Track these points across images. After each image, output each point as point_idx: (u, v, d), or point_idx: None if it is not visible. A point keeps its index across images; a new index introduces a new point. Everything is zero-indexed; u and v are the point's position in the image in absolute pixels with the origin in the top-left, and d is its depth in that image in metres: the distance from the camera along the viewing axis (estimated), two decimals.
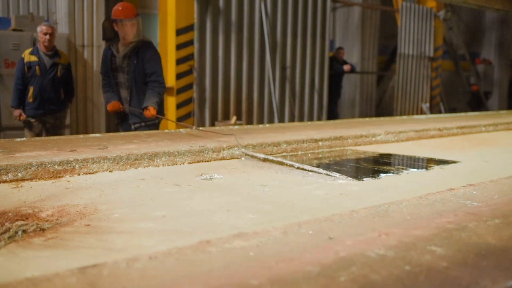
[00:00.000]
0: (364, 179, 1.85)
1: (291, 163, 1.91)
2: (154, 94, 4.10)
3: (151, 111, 4.02)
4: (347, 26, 11.03)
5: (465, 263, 0.96)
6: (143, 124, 4.20)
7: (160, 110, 4.23)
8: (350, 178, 1.80)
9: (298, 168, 1.85)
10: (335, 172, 1.85)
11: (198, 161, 2.30)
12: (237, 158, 2.39)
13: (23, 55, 5.19)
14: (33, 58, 5.13)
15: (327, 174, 1.76)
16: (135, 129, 4.17)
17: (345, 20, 11.05)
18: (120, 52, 4.22)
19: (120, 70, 4.26)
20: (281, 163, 1.96)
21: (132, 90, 4.21)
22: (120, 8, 4.14)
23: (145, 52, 4.17)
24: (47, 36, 5.14)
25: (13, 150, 2.17)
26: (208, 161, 2.30)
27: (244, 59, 7.16)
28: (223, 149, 2.39)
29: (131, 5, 4.26)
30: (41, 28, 5.16)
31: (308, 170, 1.80)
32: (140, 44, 4.17)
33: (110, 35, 4.25)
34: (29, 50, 5.23)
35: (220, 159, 2.36)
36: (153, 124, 4.21)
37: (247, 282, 0.86)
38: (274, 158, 2.01)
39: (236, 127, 3.71)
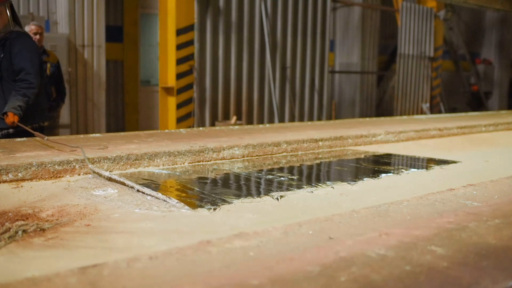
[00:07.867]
0: (204, 209, 1.54)
1: (132, 184, 1.75)
2: (18, 97, 3.41)
3: (9, 118, 3.30)
4: (347, 26, 11.03)
5: (465, 263, 0.96)
6: (11, 130, 3.45)
7: (33, 114, 3.58)
8: (185, 209, 1.53)
9: (138, 191, 1.71)
10: (175, 199, 1.61)
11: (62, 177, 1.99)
12: (86, 174, 2.06)
13: None
14: None
15: (164, 200, 1.59)
16: (3, 136, 3.43)
17: (345, 20, 11.05)
18: None
19: None
20: (123, 184, 1.80)
21: None
22: None
23: (13, 45, 3.52)
24: (37, 36, 5.10)
25: (13, 150, 2.17)
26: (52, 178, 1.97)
27: (244, 59, 7.16)
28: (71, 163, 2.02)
29: None
30: (30, 28, 5.07)
31: (147, 194, 1.69)
32: (8, 35, 3.53)
33: None
34: None
35: (71, 175, 2.02)
36: (25, 130, 3.01)
37: (248, 282, 0.86)
38: (118, 178, 1.83)
39: (236, 127, 3.71)
